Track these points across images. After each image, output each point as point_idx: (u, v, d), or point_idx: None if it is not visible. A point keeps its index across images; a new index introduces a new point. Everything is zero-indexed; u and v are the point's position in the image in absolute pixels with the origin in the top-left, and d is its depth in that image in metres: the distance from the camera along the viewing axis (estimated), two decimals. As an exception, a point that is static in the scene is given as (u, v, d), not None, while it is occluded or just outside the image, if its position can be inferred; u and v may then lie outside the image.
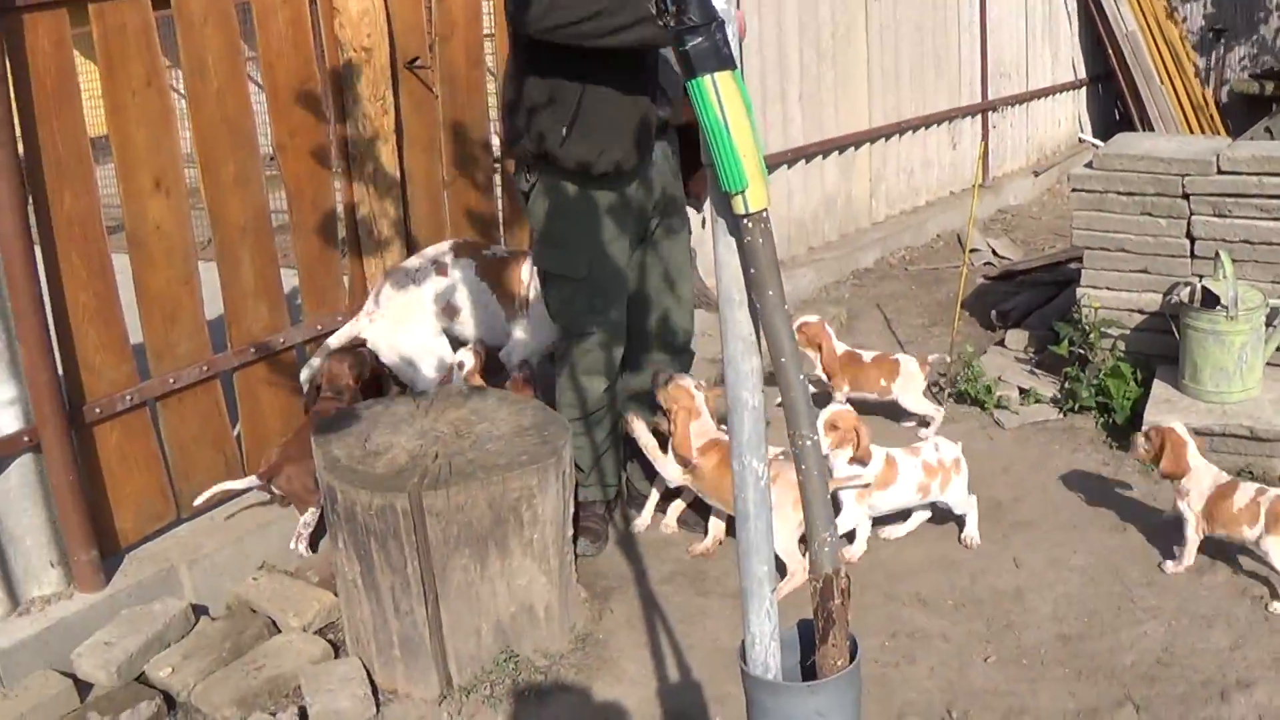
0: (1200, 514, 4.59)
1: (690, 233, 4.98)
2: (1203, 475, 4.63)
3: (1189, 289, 5.74)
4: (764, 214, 2.20)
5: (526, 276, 5.16)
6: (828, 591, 2.24)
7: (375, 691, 4.04)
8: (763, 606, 2.31)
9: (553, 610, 4.19)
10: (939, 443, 4.95)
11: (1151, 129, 11.30)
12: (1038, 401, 6.19)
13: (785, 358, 2.18)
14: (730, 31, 2.18)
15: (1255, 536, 4.46)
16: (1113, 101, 12.90)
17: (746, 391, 2.24)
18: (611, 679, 4.10)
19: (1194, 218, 5.97)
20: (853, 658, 2.33)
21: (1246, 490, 4.53)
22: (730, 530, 4.80)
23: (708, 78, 2.14)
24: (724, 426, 4.94)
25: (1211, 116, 12.17)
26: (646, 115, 4.49)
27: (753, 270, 2.20)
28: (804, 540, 4.69)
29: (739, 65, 2.21)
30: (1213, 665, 4.11)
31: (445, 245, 5.30)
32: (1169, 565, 4.68)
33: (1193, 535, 4.63)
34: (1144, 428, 4.97)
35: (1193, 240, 6.01)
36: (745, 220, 2.19)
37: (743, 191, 2.17)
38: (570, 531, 4.28)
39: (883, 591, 4.60)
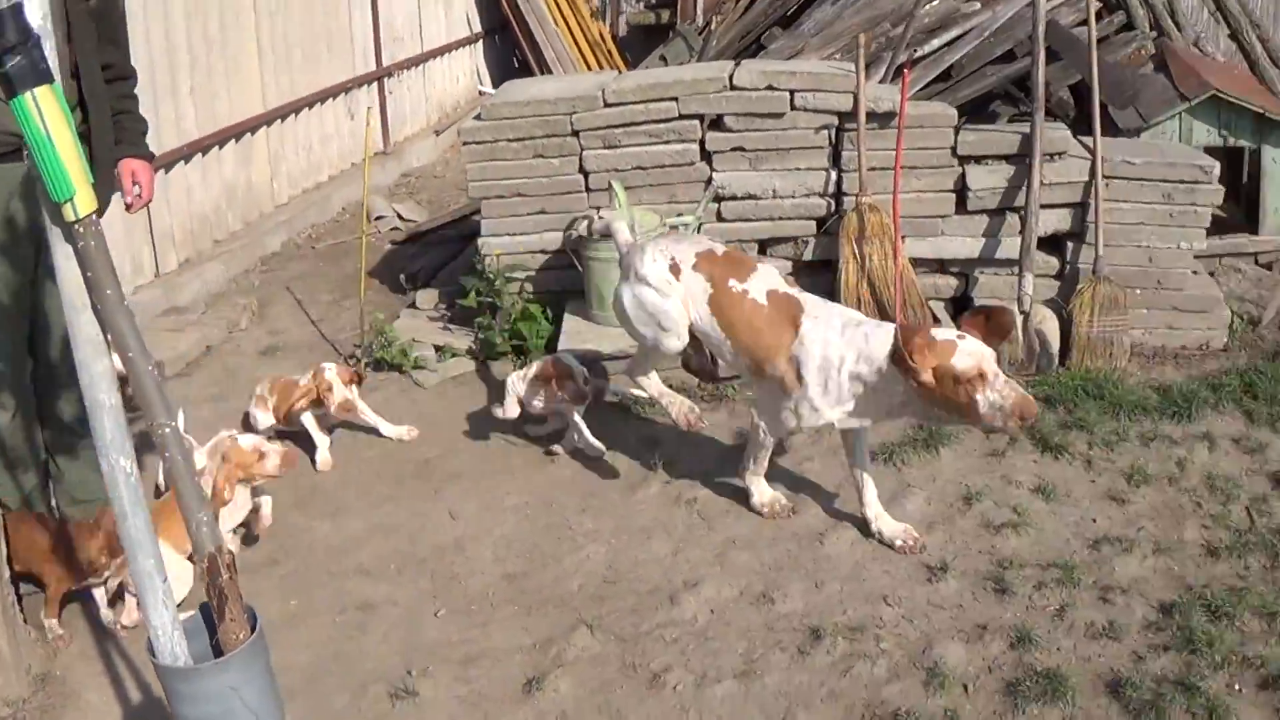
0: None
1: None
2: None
3: (586, 222, 6.01)
4: (93, 218, 2.25)
5: None
6: (214, 569, 2.31)
7: None
8: (158, 599, 2.35)
9: (5, 656, 4.00)
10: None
11: (550, 72, 11.63)
12: (455, 356, 6.22)
13: (132, 352, 2.22)
14: (47, 47, 2.21)
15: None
16: (511, 51, 13.25)
17: (103, 393, 2.27)
18: (78, 714, 3.92)
19: (585, 153, 6.23)
20: (254, 629, 2.40)
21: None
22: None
23: (29, 94, 2.18)
24: None
25: (610, 51, 12.68)
26: None
27: (89, 273, 2.24)
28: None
29: (56, 79, 2.24)
30: (658, 573, 4.35)
31: None
32: (496, 410, 5.24)
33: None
34: None
35: (586, 174, 6.27)
36: (77, 226, 2.23)
37: (71, 199, 2.21)
38: (7, 573, 4.10)
39: (326, 569, 4.57)
